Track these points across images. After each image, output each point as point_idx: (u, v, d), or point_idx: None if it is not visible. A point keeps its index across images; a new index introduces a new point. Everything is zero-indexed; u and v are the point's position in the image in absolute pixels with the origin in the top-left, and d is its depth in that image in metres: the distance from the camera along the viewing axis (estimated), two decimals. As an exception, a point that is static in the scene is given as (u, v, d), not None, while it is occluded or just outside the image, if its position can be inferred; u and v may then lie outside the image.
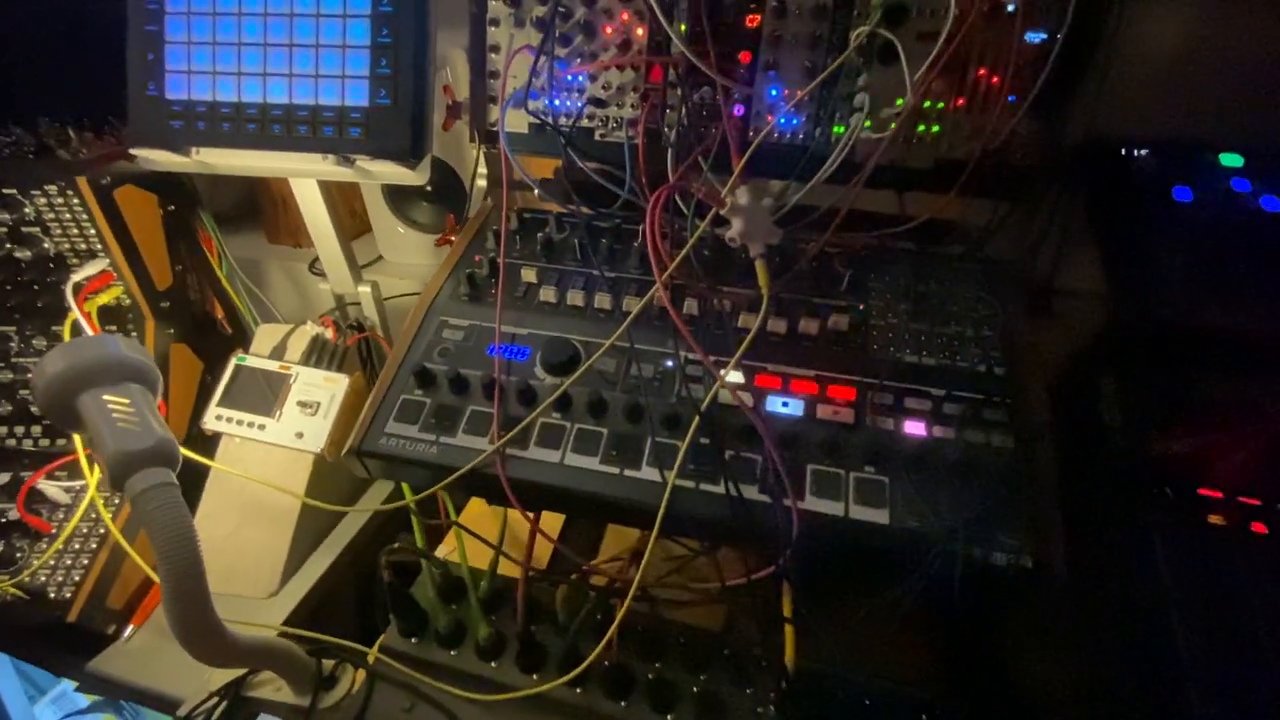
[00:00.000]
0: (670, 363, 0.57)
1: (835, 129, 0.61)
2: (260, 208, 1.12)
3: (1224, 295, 0.57)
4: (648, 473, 0.51)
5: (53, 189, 0.63)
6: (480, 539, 0.62)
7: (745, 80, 0.61)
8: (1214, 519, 0.42)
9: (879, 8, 0.53)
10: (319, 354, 0.78)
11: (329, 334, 0.80)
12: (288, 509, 0.73)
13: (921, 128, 0.59)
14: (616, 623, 0.53)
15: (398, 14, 0.62)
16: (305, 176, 0.71)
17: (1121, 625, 0.45)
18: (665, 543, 0.59)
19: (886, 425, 0.52)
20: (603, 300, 0.62)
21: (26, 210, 0.63)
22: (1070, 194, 0.64)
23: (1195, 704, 0.37)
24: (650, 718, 0.55)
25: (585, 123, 0.66)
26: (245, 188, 1.14)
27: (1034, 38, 0.55)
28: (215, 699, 0.60)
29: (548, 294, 0.63)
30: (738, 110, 0.62)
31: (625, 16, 0.62)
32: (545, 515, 0.64)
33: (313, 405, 0.73)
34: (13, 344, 0.70)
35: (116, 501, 0.66)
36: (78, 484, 0.67)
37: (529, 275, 0.65)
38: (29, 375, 0.70)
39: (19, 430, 0.70)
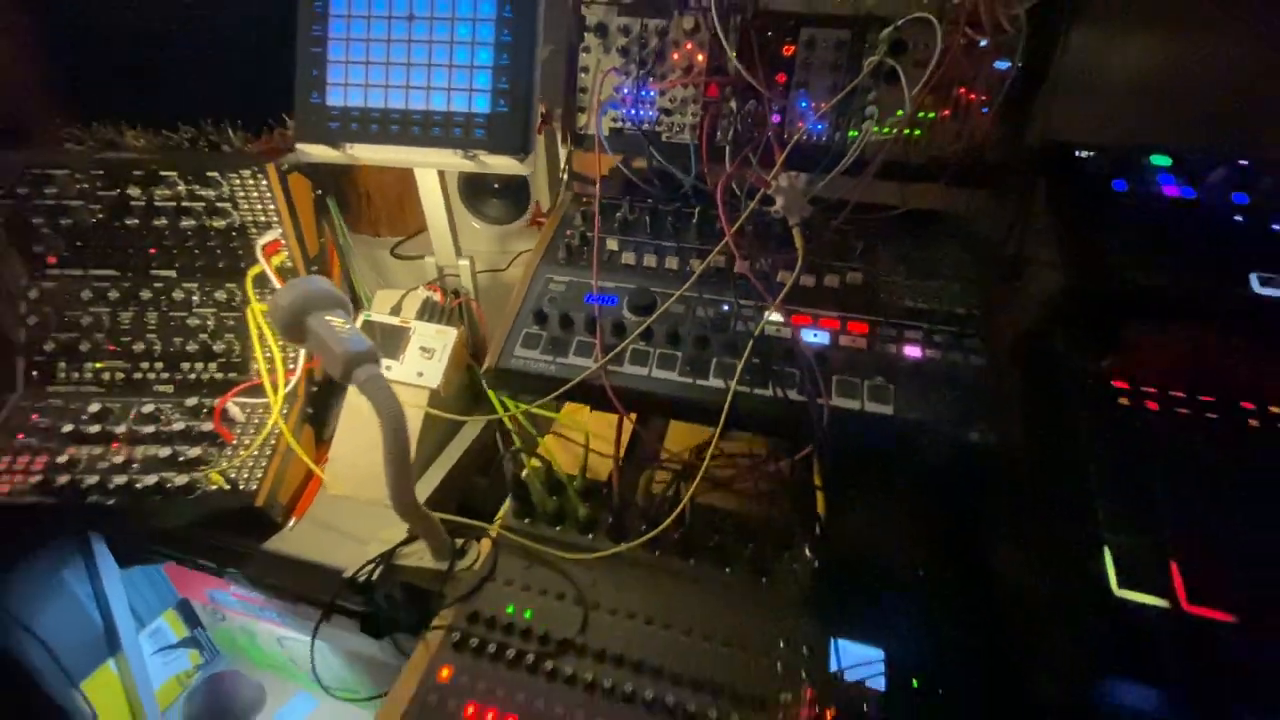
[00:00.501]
0: (727, 306, 0.75)
1: (850, 133, 0.80)
2: (347, 203, 1.31)
3: (1147, 260, 0.75)
4: (714, 382, 0.69)
5: (246, 173, 0.81)
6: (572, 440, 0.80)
7: (782, 95, 0.80)
8: (1122, 400, 0.60)
9: (885, 43, 0.72)
10: (429, 312, 0.96)
11: (437, 297, 0.98)
12: (411, 431, 0.91)
13: (917, 132, 0.78)
14: (688, 497, 0.71)
15: (514, 42, 0.81)
16: (436, 168, 0.89)
17: (1058, 485, 0.62)
18: (722, 444, 0.77)
19: (890, 349, 0.70)
20: (671, 262, 0.80)
21: (223, 189, 0.82)
22: (1032, 184, 0.83)
23: (1105, 526, 0.55)
24: (712, 571, 0.73)
25: (655, 128, 0.85)
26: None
27: (1001, 65, 0.74)
28: (373, 563, 0.77)
29: (628, 258, 0.81)
30: (775, 118, 0.81)
31: (689, 46, 0.81)
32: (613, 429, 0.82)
33: (430, 351, 0.91)
34: (195, 297, 0.88)
35: (285, 414, 0.84)
36: (257, 401, 0.85)
37: (612, 244, 0.83)
38: (208, 322, 0.88)
39: (199, 365, 0.88)
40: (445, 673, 0.66)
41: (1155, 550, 0.51)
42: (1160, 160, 0.83)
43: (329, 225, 0.96)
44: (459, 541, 0.78)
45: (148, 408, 0.84)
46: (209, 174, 0.81)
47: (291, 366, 0.86)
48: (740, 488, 0.77)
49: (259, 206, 0.83)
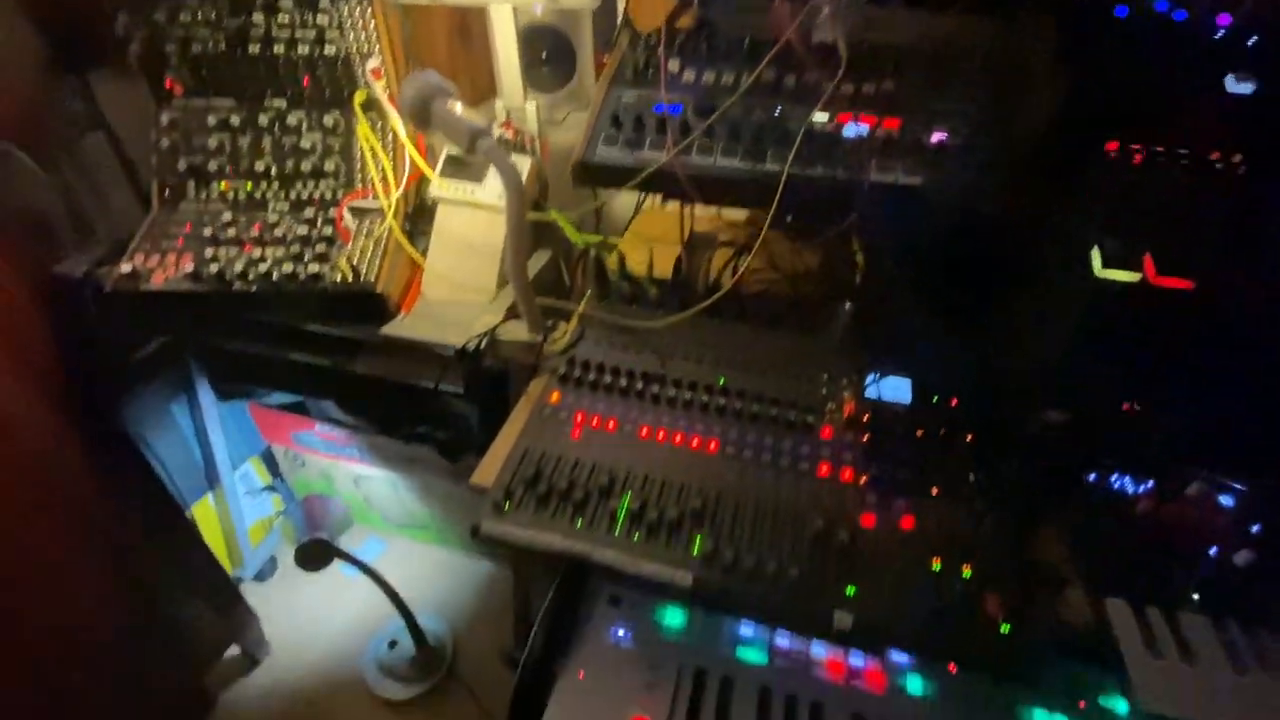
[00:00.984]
0: (779, 109, 0.88)
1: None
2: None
3: (1145, 75, 0.87)
4: (771, 166, 0.83)
5: (354, 3, 0.93)
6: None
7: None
8: (1112, 155, 0.73)
9: None
10: (503, 145, 1.09)
11: (509, 134, 1.10)
12: (494, 248, 1.05)
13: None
14: (745, 263, 0.85)
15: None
16: (511, 4, 1.00)
17: (1058, 224, 0.76)
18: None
19: (919, 137, 0.83)
20: (727, 79, 0.92)
21: (332, 17, 0.93)
22: (1042, 11, 0.94)
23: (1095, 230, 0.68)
24: (766, 332, 0.88)
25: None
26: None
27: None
28: (478, 338, 0.92)
29: (688, 76, 0.93)
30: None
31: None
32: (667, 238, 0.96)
33: (508, 175, 1.04)
34: (304, 123, 1.00)
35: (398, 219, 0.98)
36: (367, 209, 0.98)
37: (674, 66, 0.95)
38: (317, 145, 1.00)
39: (310, 184, 1.01)
40: (554, 397, 0.81)
41: (1131, 245, 0.65)
42: (1159, -12, 0.94)
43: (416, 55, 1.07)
44: (549, 322, 0.93)
45: (272, 218, 0.98)
46: (321, 4, 0.93)
47: (396, 178, 0.99)
48: (789, 265, 0.91)
49: (363, 36, 0.95)
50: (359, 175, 1.00)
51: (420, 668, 1.48)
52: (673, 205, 1.02)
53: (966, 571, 0.62)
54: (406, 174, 0.99)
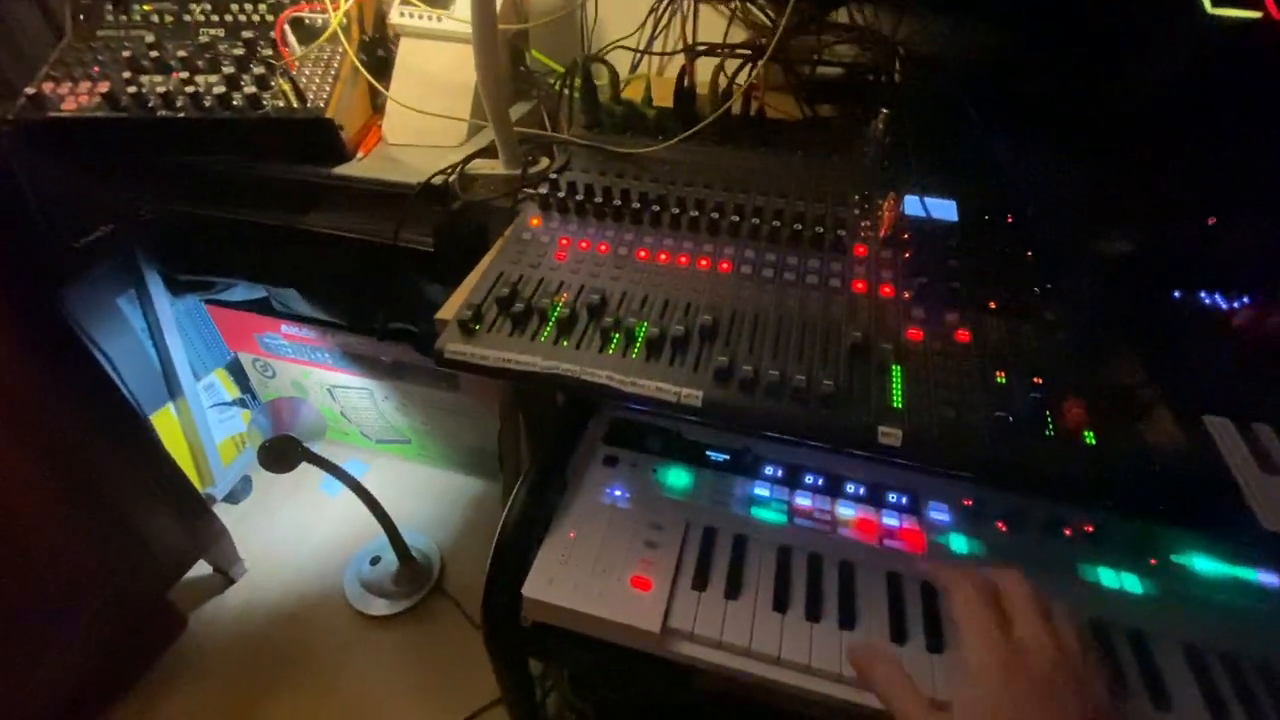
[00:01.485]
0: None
1: None
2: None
3: None
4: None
5: None
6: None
7: None
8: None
9: None
10: (477, -32, 0.93)
11: (482, -45, 0.94)
12: (465, 86, 0.90)
13: None
14: (760, 65, 0.71)
15: None
16: None
17: None
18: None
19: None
20: None
21: None
22: None
23: None
24: (785, 155, 0.75)
25: None
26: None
27: None
28: (449, 169, 0.79)
29: None
30: None
31: None
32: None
33: (481, -1, 0.89)
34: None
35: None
36: (317, 14, 0.84)
37: None
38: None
39: (248, 6, 0.86)
40: (535, 221, 0.69)
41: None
42: None
43: None
44: (529, 156, 0.79)
45: (203, 40, 0.83)
46: None
47: (346, -10, 0.84)
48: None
49: None
50: (305, -14, 0.85)
51: (405, 583, 1.39)
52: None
53: (1038, 383, 0.51)
54: (357, -17, 0.84)
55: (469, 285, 0.63)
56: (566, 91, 0.80)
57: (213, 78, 0.81)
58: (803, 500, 0.67)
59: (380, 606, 1.38)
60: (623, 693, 0.79)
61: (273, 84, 0.80)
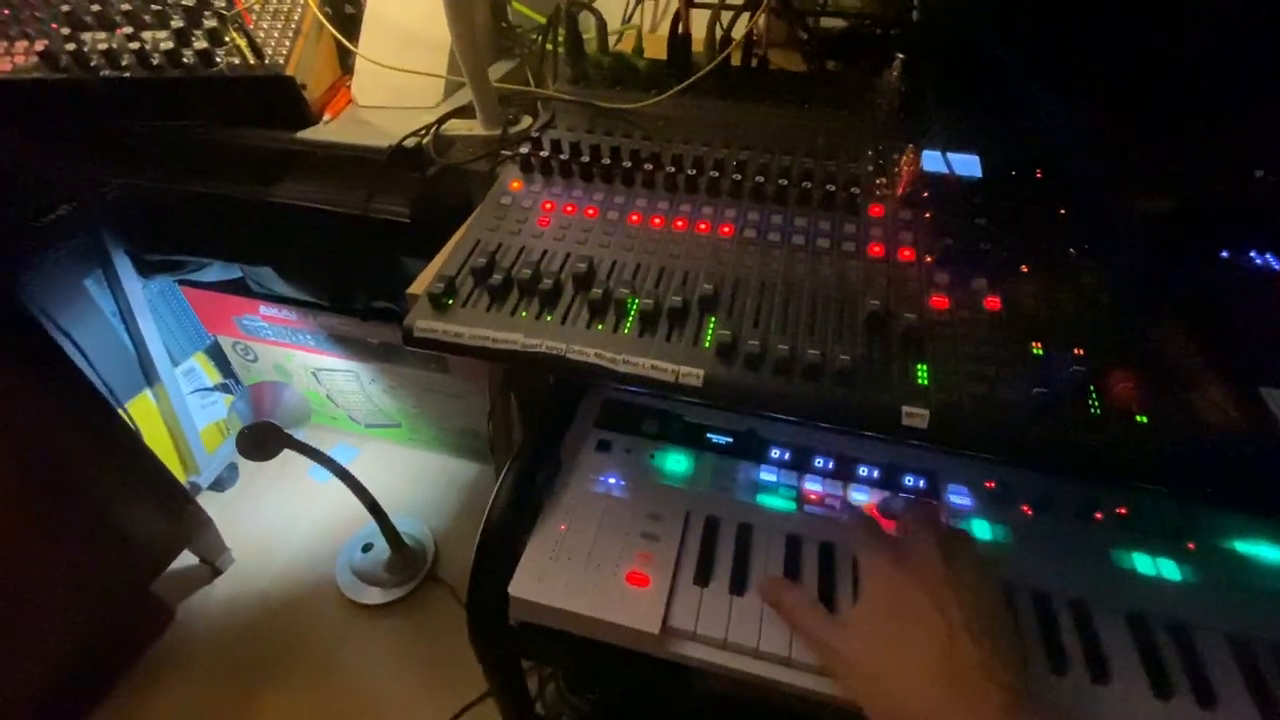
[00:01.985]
0: None
1: None
2: None
3: None
4: None
5: None
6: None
7: None
8: None
9: None
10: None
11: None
12: (440, 40, 0.83)
13: None
14: (761, 10, 0.64)
15: None
16: None
17: None
18: None
19: None
20: None
21: None
22: None
23: None
24: (789, 110, 0.68)
25: None
26: None
27: None
28: (422, 130, 0.72)
29: None
30: None
31: None
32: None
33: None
34: None
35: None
36: None
37: None
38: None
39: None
40: (515, 185, 0.62)
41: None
42: None
43: None
44: (510, 114, 0.73)
45: (151, -7, 0.76)
46: None
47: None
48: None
49: None
50: (260, -66, 0.77)
51: (398, 570, 1.35)
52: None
53: (1079, 354, 0.45)
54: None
55: (443, 256, 0.57)
56: (550, 46, 0.73)
57: (161, 33, 0.74)
58: (812, 485, 0.62)
59: (373, 595, 1.34)
60: (621, 691, 0.75)
61: (227, 39, 0.73)
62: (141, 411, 1.33)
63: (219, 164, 0.84)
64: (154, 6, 0.75)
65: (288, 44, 0.74)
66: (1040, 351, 0.46)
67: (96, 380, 1.20)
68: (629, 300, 0.49)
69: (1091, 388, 0.43)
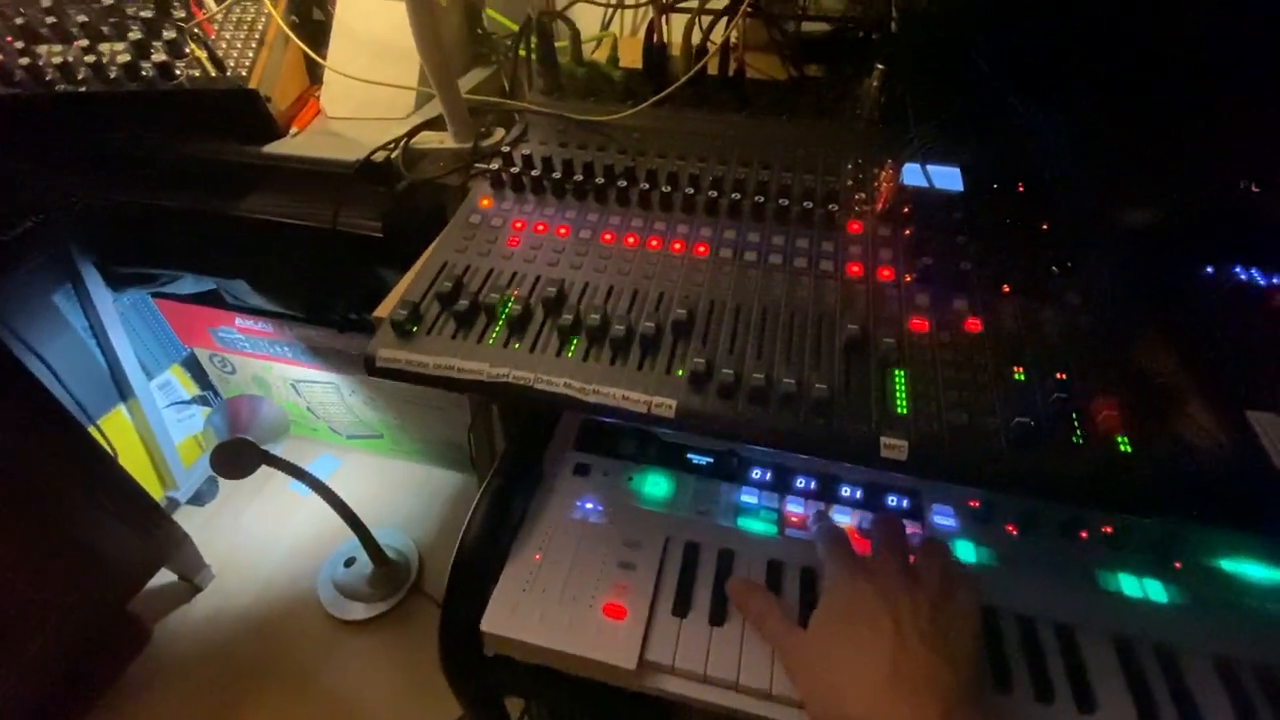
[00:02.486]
0: None
1: None
2: None
3: None
4: None
5: None
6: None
7: None
8: None
9: None
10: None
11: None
12: (412, 48, 0.80)
13: None
14: (742, 12, 0.63)
15: None
16: None
17: None
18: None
19: None
20: None
21: None
22: None
23: None
24: (768, 120, 0.66)
25: None
26: None
27: None
28: (391, 144, 0.70)
29: None
30: None
31: None
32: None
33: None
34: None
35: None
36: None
37: None
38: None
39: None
40: (485, 203, 0.60)
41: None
42: None
43: None
44: (482, 128, 0.71)
45: (108, 1, 0.73)
46: None
47: (268, -60, 0.74)
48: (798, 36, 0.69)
49: None
50: (221, -60, 0.75)
51: (381, 584, 1.33)
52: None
53: (1061, 379, 0.44)
54: (281, -66, 0.74)
55: (409, 278, 0.55)
56: (523, 54, 0.71)
57: (118, 44, 0.71)
58: (794, 507, 0.60)
59: (356, 610, 1.32)
60: None
61: (187, 51, 0.71)
62: (116, 427, 1.30)
63: (186, 176, 0.81)
64: (111, 18, 0.72)
65: (251, 55, 0.72)
66: (1022, 376, 0.45)
67: (67, 399, 1.17)
68: (600, 326, 0.48)
69: (1074, 415, 0.42)
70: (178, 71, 0.69)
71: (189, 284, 1.22)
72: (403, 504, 1.51)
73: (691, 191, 0.58)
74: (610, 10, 0.94)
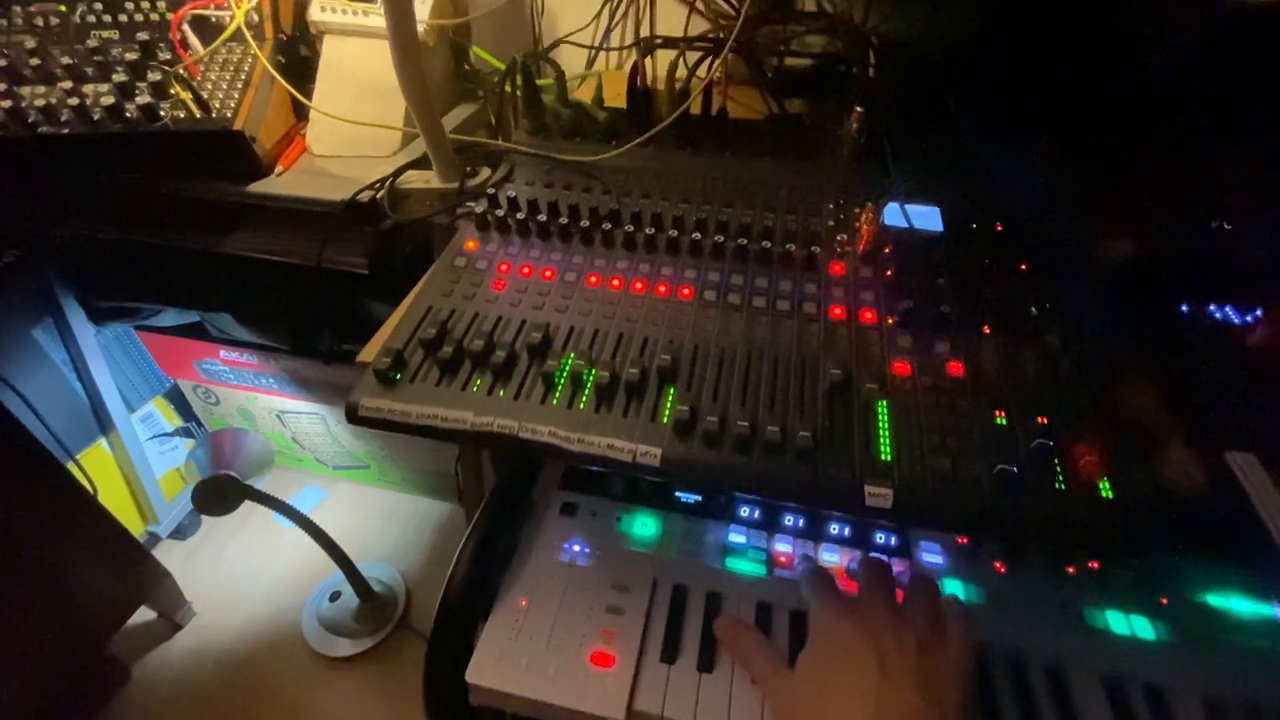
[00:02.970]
0: None
1: None
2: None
3: None
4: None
5: None
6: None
7: None
8: None
9: None
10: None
11: (413, -57, 0.85)
12: (398, 88, 0.81)
13: None
14: (722, 58, 0.64)
15: None
16: None
17: None
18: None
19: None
20: None
21: None
22: None
23: None
24: (750, 160, 0.67)
25: None
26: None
27: None
28: (377, 184, 0.70)
29: None
30: None
31: None
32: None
33: (411, -9, 0.80)
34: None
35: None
36: (219, 12, 0.74)
37: None
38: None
39: (145, 4, 0.76)
40: (470, 245, 0.61)
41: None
42: None
43: None
44: (468, 167, 0.71)
45: (93, 44, 0.73)
46: None
47: (254, -17, 0.74)
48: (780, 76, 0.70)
49: None
50: (208, -19, 0.76)
51: (367, 619, 1.30)
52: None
53: (1043, 425, 0.45)
54: (268, -23, 0.75)
55: (393, 321, 0.55)
56: (510, 92, 0.71)
57: (103, 86, 0.71)
58: (783, 546, 0.60)
59: (342, 646, 1.29)
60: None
61: (172, 91, 0.71)
62: (96, 462, 1.28)
63: (169, 213, 0.81)
64: (96, 59, 0.72)
65: (237, 95, 0.72)
66: (1004, 421, 0.45)
67: (45, 435, 1.15)
68: (585, 372, 0.48)
69: (1056, 460, 0.42)
70: (162, 113, 0.69)
71: (172, 316, 1.21)
72: (390, 534, 1.49)
73: (675, 234, 0.58)
74: (595, 51, 0.95)
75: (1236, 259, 0.57)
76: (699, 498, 0.63)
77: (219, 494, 1.03)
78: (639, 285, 0.56)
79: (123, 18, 0.76)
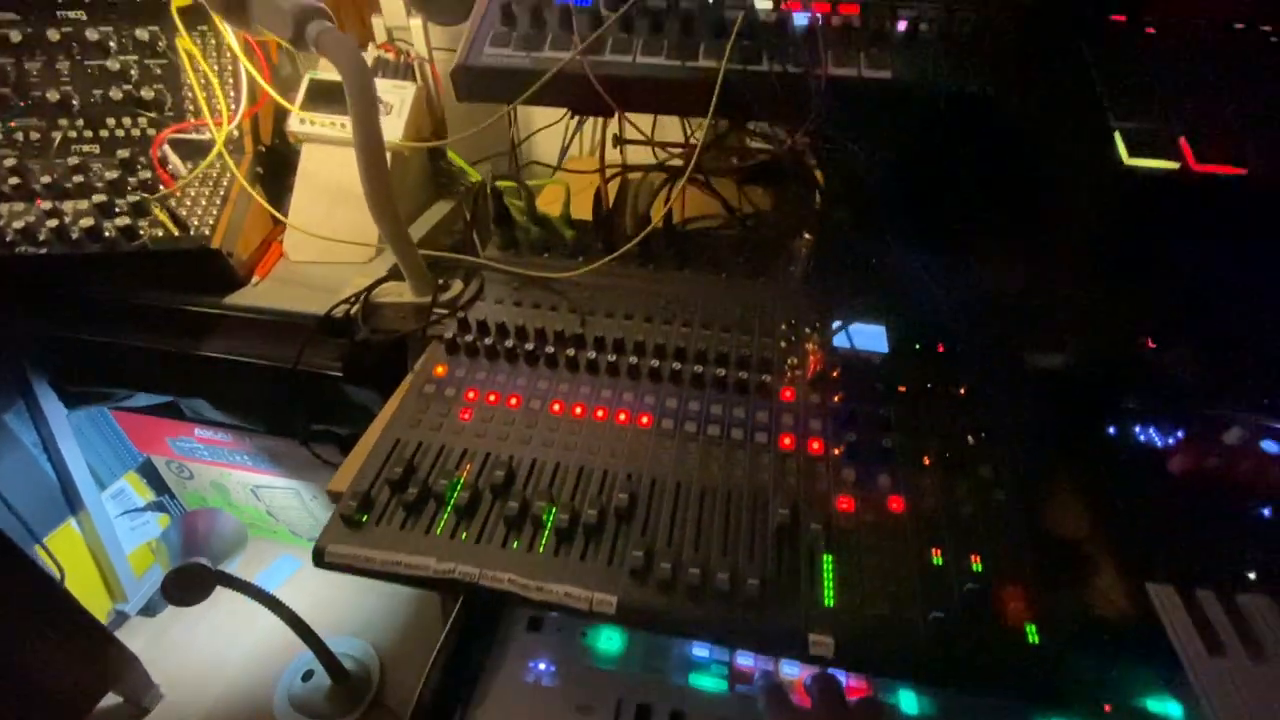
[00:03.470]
0: (711, -1, 0.70)
1: None
2: None
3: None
4: (705, 63, 0.65)
5: None
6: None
7: None
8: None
9: None
10: (383, 70, 0.88)
11: (390, 55, 0.90)
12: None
13: None
14: (680, 185, 0.67)
15: None
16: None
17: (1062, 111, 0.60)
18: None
19: (884, 24, 0.67)
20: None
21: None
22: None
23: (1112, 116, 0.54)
24: (709, 277, 0.71)
25: None
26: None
27: None
28: (351, 299, 0.72)
29: (600, -33, 0.75)
30: None
31: None
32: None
33: (386, 105, 0.84)
34: (112, 41, 0.78)
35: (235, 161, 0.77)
36: (200, 143, 0.77)
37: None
38: (131, 69, 0.78)
39: (125, 120, 0.78)
40: (439, 370, 0.63)
41: (1161, 129, 0.50)
42: None
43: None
44: (441, 280, 0.74)
45: (73, 161, 0.75)
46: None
47: (233, 106, 0.77)
48: (734, 198, 0.74)
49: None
50: (188, 105, 0.79)
51: (340, 700, 1.28)
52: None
53: (976, 564, 0.47)
54: (245, 99, 0.78)
55: (362, 453, 0.57)
56: (481, 208, 0.75)
57: (82, 205, 0.73)
58: (744, 660, 0.62)
59: (314, 729, 1.26)
60: None
61: (151, 211, 0.73)
62: (64, 543, 1.26)
63: (145, 320, 0.83)
64: (76, 177, 0.75)
65: (215, 212, 0.74)
66: (939, 561, 0.48)
67: (11, 520, 1.14)
68: (545, 512, 0.50)
69: (986, 604, 0.45)
70: (141, 232, 0.72)
71: (146, 397, 1.21)
72: (364, 605, 1.47)
73: (635, 360, 0.61)
74: (564, 145, 0.99)
75: (1160, 378, 0.61)
76: (663, 608, 0.65)
77: (190, 583, 1.02)
78: (600, 413, 0.58)
79: (104, 133, 0.79)
